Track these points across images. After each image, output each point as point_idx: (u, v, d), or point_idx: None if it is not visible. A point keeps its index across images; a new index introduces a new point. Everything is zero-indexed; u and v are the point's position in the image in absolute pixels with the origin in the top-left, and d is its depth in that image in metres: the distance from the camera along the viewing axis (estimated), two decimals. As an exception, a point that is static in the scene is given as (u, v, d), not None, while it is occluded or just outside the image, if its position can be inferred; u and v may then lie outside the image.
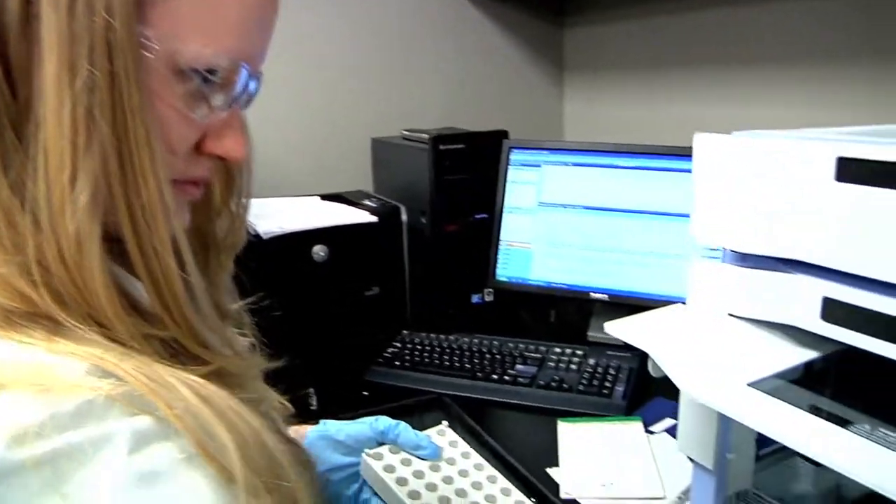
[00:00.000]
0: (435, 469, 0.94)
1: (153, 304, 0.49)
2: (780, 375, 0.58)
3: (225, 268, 0.65)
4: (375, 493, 0.93)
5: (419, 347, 1.45)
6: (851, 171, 0.55)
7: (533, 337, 1.48)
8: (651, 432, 1.15)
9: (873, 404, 0.54)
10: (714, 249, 0.68)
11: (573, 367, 1.35)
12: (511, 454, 1.08)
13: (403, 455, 0.95)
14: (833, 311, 0.57)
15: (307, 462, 0.64)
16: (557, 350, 1.41)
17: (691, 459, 0.73)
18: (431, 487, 0.91)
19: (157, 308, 0.49)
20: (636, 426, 1.17)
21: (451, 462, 0.96)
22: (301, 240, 1.38)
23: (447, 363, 1.39)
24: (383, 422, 0.96)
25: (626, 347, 1.40)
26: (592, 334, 1.52)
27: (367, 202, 1.56)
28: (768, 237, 0.62)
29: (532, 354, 1.40)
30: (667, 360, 0.58)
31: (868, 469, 0.45)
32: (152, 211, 0.47)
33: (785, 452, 0.81)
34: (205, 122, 0.51)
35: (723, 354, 0.61)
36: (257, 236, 1.33)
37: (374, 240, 1.48)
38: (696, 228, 0.67)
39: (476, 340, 1.46)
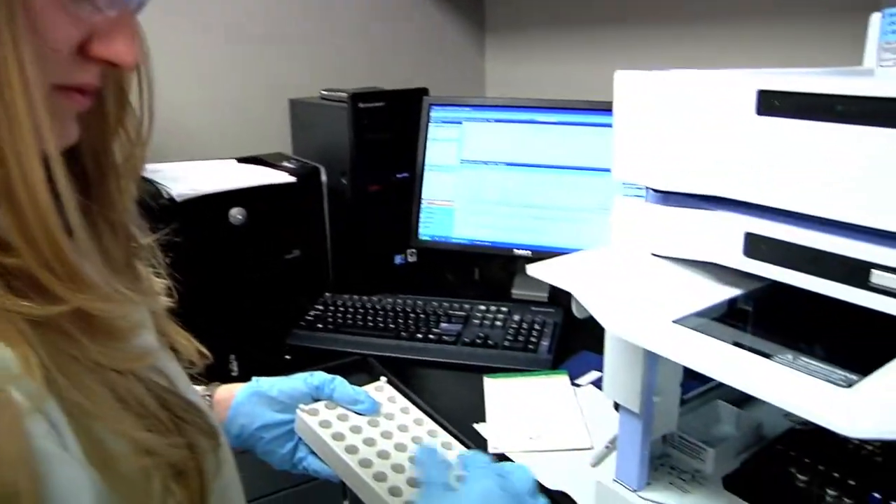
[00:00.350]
0: (373, 424, 0.92)
1: (8, 224, 0.42)
2: (703, 313, 0.58)
3: (125, 192, 0.58)
4: (312, 452, 0.90)
5: (342, 309, 1.42)
6: (773, 103, 0.54)
7: (457, 296, 1.47)
8: (577, 385, 1.16)
9: (794, 336, 0.54)
10: (638, 189, 0.67)
11: (498, 323, 1.35)
12: (438, 412, 1.06)
13: (340, 410, 0.92)
14: (756, 246, 0.57)
15: (211, 430, 0.59)
16: (482, 307, 1.40)
17: (617, 406, 0.73)
18: (370, 442, 0.88)
19: (13, 231, 0.42)
20: (562, 380, 1.17)
21: (389, 417, 0.94)
22: (217, 202, 1.33)
23: (371, 324, 1.36)
24: (318, 377, 0.94)
25: (551, 303, 1.41)
26: (516, 291, 1.52)
27: (285, 164, 1.51)
28: (690, 174, 0.61)
29: (456, 312, 1.39)
30: (591, 299, 0.57)
31: (790, 395, 0.45)
32: (15, 112, 0.41)
33: (708, 395, 0.82)
34: (91, 21, 0.45)
35: (647, 293, 0.60)
36: (171, 199, 1.27)
37: (294, 201, 1.43)
38: (617, 167, 0.66)
39: (400, 301, 1.44)
